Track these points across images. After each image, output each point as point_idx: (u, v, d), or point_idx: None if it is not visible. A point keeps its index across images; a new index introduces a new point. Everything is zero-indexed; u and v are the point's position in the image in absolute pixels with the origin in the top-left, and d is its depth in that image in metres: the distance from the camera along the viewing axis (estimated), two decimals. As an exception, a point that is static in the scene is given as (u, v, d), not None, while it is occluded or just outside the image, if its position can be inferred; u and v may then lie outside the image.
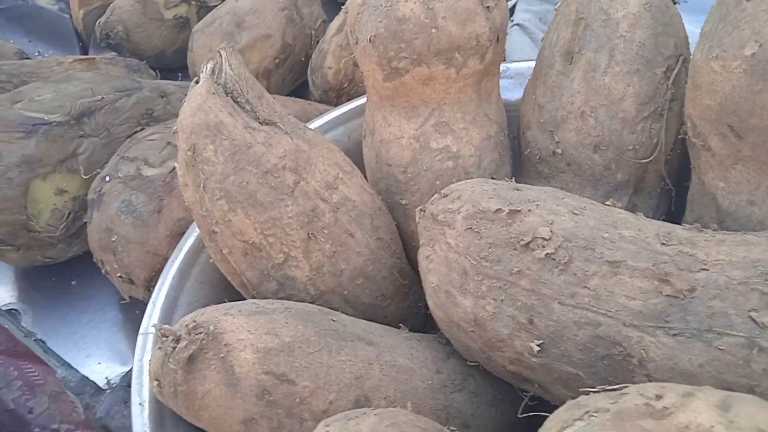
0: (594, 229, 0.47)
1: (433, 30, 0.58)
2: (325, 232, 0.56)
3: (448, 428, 0.44)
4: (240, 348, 0.46)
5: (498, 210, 0.50)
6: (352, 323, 0.54)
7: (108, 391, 0.75)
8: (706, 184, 0.54)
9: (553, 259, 0.46)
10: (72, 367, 0.78)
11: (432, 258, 0.53)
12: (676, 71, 0.60)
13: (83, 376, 0.77)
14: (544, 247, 0.47)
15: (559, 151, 0.62)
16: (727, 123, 0.51)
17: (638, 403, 0.31)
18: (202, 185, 0.55)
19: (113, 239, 0.68)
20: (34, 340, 0.80)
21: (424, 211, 0.55)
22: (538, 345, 0.47)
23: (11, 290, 0.84)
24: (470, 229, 0.50)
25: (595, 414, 0.31)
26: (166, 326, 0.47)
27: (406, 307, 0.65)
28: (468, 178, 0.61)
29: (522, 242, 0.48)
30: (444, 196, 0.54)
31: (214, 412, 0.47)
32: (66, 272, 0.83)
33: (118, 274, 0.70)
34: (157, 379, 0.47)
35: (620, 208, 0.52)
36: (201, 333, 0.46)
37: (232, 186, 0.54)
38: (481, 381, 0.55)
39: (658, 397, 0.31)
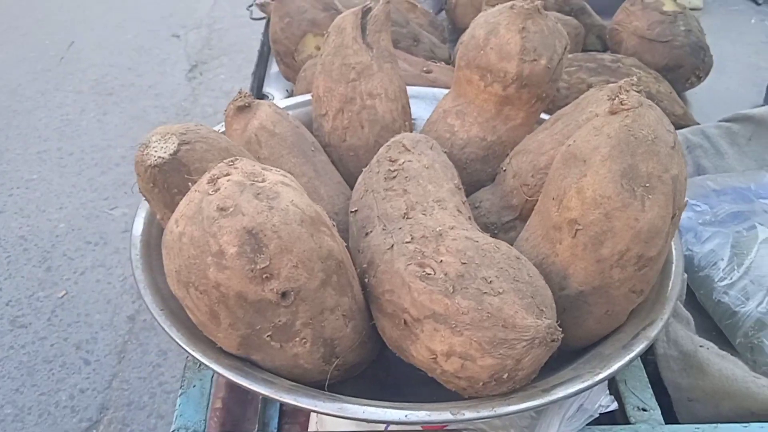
0: (417, 192, 0.78)
1: (482, 51, 0.89)
2: (349, 113, 0.95)
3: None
4: (257, 123, 0.90)
5: (402, 145, 0.83)
6: (320, 162, 0.93)
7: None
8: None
9: (389, 173, 0.79)
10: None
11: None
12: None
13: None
14: (392, 170, 0.80)
15: (504, 169, 0.89)
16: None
17: (219, 174, 0.66)
18: (322, 53, 0.98)
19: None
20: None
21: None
22: (354, 210, 0.81)
23: (275, 89, 1.41)
24: (383, 145, 0.85)
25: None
26: (245, 90, 0.93)
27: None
28: (451, 151, 0.93)
29: (389, 160, 0.81)
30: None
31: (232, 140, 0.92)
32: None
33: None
34: (225, 110, 0.94)
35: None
36: (250, 100, 0.91)
37: (327, 61, 0.96)
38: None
39: (256, 177, 0.65)
